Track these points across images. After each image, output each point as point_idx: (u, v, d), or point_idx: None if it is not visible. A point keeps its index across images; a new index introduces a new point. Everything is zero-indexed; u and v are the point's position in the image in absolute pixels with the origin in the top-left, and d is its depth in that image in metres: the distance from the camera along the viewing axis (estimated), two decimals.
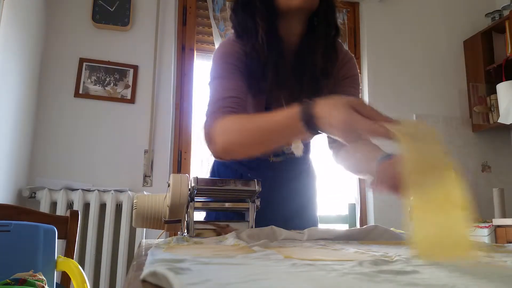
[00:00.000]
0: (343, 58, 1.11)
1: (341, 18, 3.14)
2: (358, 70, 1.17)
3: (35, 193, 2.38)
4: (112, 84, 2.67)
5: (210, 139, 0.92)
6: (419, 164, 0.53)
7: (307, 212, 1.31)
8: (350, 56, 1.15)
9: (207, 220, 1.19)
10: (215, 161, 1.21)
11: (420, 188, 0.52)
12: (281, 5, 0.97)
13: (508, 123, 2.80)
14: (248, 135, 0.85)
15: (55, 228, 1.15)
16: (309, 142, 1.23)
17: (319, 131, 0.72)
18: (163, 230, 1.01)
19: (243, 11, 1.01)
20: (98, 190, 2.45)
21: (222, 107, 0.93)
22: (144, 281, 0.40)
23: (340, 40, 1.11)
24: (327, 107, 0.69)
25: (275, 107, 0.91)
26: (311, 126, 0.72)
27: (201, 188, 0.96)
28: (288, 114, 0.76)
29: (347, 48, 1.18)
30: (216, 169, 1.22)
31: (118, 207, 2.47)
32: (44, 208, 2.33)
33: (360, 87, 1.18)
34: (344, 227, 1.38)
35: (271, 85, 1.00)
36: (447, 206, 0.53)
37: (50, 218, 1.34)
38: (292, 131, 0.76)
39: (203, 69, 2.93)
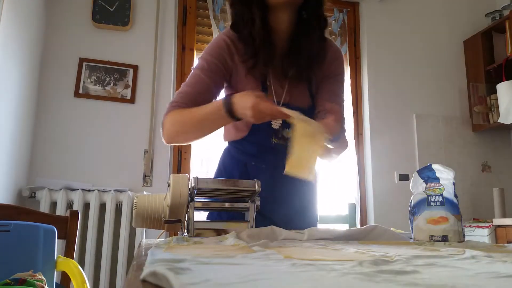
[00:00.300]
0: (333, 55, 1.23)
1: (341, 18, 3.15)
2: (344, 69, 1.30)
3: (35, 193, 2.38)
4: (112, 84, 2.67)
5: (162, 129, 1.14)
6: (303, 130, 0.89)
7: (307, 212, 1.31)
8: (340, 53, 1.28)
9: (208, 220, 1.19)
10: (222, 153, 1.29)
11: (301, 135, 0.89)
12: (270, 0, 1.10)
13: (508, 123, 2.80)
14: (186, 124, 1.09)
15: (55, 228, 1.15)
16: None
17: (237, 117, 0.96)
18: (163, 230, 1.01)
19: (241, 4, 1.14)
20: (98, 190, 2.45)
21: (175, 101, 1.12)
22: (144, 281, 0.40)
23: (330, 38, 1.24)
24: (241, 97, 0.95)
25: (271, 88, 1.15)
26: (231, 112, 0.96)
27: (201, 188, 0.96)
28: (216, 104, 1.00)
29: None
30: (222, 161, 1.27)
31: (118, 207, 2.47)
32: (44, 208, 2.33)
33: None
34: (344, 227, 1.38)
35: (265, 67, 1.14)
36: (312, 145, 0.89)
37: (50, 218, 1.34)
38: (219, 118, 1.01)
39: None
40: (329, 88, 1.23)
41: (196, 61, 2.89)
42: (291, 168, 0.89)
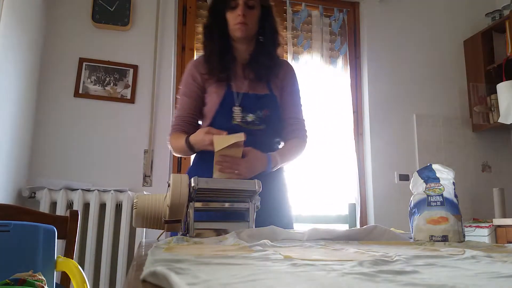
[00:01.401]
0: (286, 72, 1.54)
1: (341, 18, 3.15)
2: (298, 83, 1.57)
3: (35, 193, 2.38)
4: (112, 84, 2.67)
5: (169, 145, 1.51)
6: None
7: (280, 211, 1.45)
8: (292, 69, 1.57)
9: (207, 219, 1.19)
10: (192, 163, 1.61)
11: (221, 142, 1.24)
12: (230, 35, 1.45)
13: (508, 123, 2.80)
14: (176, 151, 1.50)
15: (55, 228, 1.15)
16: (275, 127, 1.47)
17: (197, 149, 1.39)
18: (163, 230, 1.01)
19: (207, 37, 1.48)
20: (98, 190, 2.44)
21: (176, 124, 1.49)
22: (144, 281, 0.40)
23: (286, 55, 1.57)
24: (194, 137, 1.36)
25: (233, 87, 1.44)
26: (192, 149, 1.40)
27: (201, 188, 0.96)
28: (183, 140, 1.40)
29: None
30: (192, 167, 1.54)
31: (118, 207, 2.47)
32: (44, 208, 2.33)
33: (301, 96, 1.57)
34: (344, 227, 1.38)
35: (226, 80, 1.44)
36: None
37: (50, 218, 1.33)
38: (188, 152, 1.44)
39: None
40: (289, 100, 1.52)
41: None
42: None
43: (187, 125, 1.48)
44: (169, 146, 1.51)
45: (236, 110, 1.40)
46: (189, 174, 1.33)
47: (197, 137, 1.33)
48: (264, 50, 1.47)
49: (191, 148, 1.37)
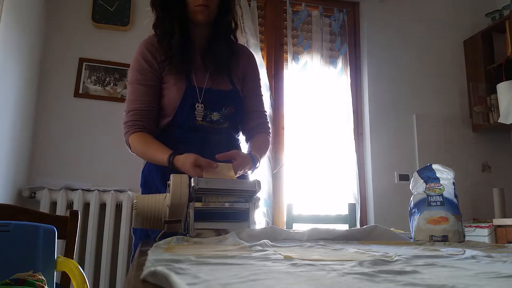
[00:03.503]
0: (246, 59, 1.43)
1: (341, 18, 3.15)
2: (258, 70, 1.48)
3: (35, 193, 2.38)
4: (112, 84, 2.67)
5: (127, 145, 1.32)
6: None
7: None
8: (252, 56, 1.47)
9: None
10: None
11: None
12: (190, 18, 1.29)
13: (508, 123, 2.80)
14: (144, 157, 1.31)
15: (55, 228, 1.15)
16: (237, 123, 1.38)
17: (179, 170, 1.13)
18: (163, 230, 1.01)
19: (164, 14, 1.30)
20: (98, 190, 2.44)
21: (135, 120, 1.28)
22: (144, 281, 0.40)
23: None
24: (178, 163, 1.14)
25: (193, 78, 1.30)
26: (174, 168, 1.15)
27: (201, 188, 0.96)
28: (162, 157, 1.18)
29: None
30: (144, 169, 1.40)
31: (118, 207, 2.47)
32: (44, 208, 2.33)
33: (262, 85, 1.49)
34: (344, 227, 1.38)
35: (186, 73, 1.30)
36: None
37: (50, 218, 1.34)
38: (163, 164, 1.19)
39: None
40: (249, 89, 1.42)
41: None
42: None
43: (149, 121, 1.29)
44: (130, 149, 1.32)
45: (199, 107, 1.28)
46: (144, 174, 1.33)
47: (183, 168, 1.12)
48: (222, 36, 1.34)
49: (172, 167, 1.16)
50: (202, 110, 1.27)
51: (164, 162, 1.17)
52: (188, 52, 1.31)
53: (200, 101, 1.27)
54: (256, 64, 1.47)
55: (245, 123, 1.40)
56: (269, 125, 1.46)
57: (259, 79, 1.47)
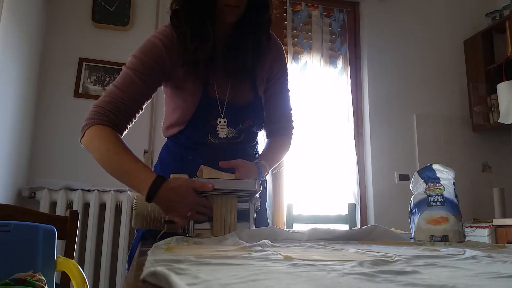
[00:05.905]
0: (273, 61, 1.24)
1: (341, 18, 3.15)
2: (287, 66, 1.31)
3: (34, 193, 2.38)
4: None
5: (82, 132, 1.14)
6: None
7: None
8: (282, 51, 1.28)
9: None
10: (162, 147, 1.29)
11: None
12: (217, 15, 1.09)
13: (508, 123, 2.80)
14: (106, 163, 1.12)
15: (55, 228, 1.15)
16: (254, 133, 1.25)
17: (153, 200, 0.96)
18: (163, 230, 1.01)
19: (192, 16, 1.13)
20: (98, 190, 2.44)
21: (108, 109, 1.10)
22: (144, 281, 0.40)
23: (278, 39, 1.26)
24: (165, 203, 0.96)
25: (214, 86, 1.13)
26: (149, 200, 0.96)
27: None
28: (142, 181, 0.99)
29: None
30: (160, 155, 1.27)
31: (118, 207, 2.47)
32: (44, 208, 2.33)
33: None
34: (344, 227, 1.38)
35: (204, 74, 1.12)
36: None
37: (50, 218, 1.34)
38: (135, 189, 1.02)
39: None
40: (278, 96, 1.28)
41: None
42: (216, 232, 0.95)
43: (124, 119, 1.12)
44: (93, 145, 1.12)
45: (222, 123, 1.12)
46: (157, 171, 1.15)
47: (165, 210, 0.96)
48: (251, 35, 1.15)
49: (148, 198, 0.96)
50: (225, 126, 1.13)
51: (145, 184, 0.96)
52: (213, 58, 1.13)
53: (222, 115, 1.12)
54: (284, 59, 1.29)
55: (268, 123, 1.27)
56: (293, 124, 1.35)
57: (287, 75, 1.30)
